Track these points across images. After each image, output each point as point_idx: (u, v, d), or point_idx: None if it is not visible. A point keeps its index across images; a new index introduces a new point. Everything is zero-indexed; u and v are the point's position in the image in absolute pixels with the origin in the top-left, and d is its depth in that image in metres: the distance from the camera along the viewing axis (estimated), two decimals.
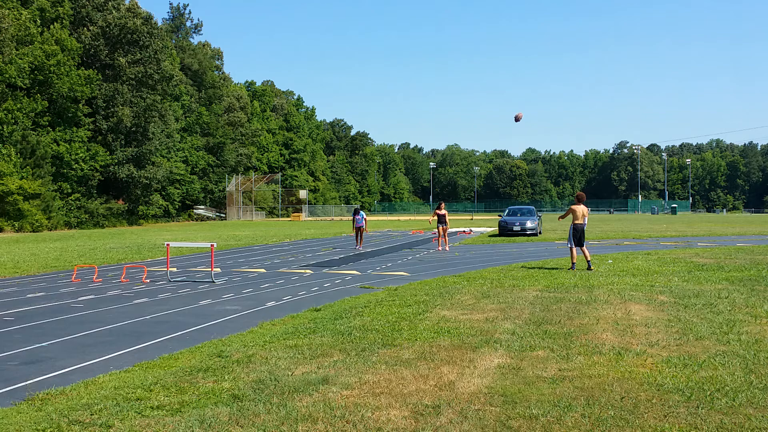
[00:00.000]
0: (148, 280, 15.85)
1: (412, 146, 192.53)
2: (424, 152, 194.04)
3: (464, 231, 42.41)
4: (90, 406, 5.78)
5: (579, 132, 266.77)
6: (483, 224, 55.93)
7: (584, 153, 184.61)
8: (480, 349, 7.66)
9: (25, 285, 15.34)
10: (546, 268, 17.08)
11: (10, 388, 6.59)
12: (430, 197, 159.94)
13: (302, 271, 18.06)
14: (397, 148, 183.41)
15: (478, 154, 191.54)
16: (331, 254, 24.06)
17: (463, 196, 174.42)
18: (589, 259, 16.81)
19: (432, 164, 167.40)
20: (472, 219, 78.07)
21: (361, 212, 27.92)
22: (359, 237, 27.64)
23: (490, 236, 35.22)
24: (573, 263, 16.72)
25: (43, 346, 8.64)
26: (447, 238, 26.68)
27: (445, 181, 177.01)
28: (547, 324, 9.10)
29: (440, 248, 25.82)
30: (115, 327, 9.96)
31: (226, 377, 6.64)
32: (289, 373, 6.71)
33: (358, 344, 8.01)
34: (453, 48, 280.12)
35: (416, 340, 8.20)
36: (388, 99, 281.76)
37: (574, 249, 16.96)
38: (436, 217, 26.03)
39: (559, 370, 6.70)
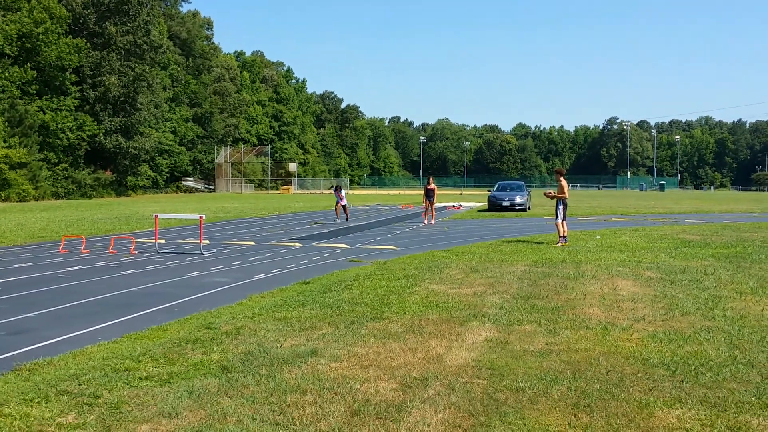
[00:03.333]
0: (136, 252, 15.80)
1: (402, 120, 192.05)
2: (414, 126, 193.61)
3: (453, 206, 42.45)
4: (78, 376, 5.77)
5: (569, 107, 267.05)
6: (472, 199, 56.00)
7: (574, 129, 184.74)
8: (468, 323, 7.70)
9: (12, 255, 15.27)
10: (534, 243, 17.14)
11: None
12: (420, 171, 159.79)
13: (291, 244, 18.05)
14: (387, 121, 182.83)
15: (468, 128, 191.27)
16: (320, 227, 24.05)
17: (452, 170, 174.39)
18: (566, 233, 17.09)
19: (422, 138, 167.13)
20: (461, 194, 78.17)
21: (342, 191, 28.37)
22: (344, 211, 27.95)
23: (479, 211, 35.28)
24: (563, 236, 16.85)
25: (30, 316, 8.62)
26: (434, 212, 26.85)
27: (435, 156, 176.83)
28: (534, 299, 9.15)
29: (426, 222, 25.93)
30: (104, 298, 9.94)
31: (214, 349, 6.65)
32: (278, 345, 6.72)
33: (347, 317, 8.03)
34: (444, 21, 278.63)
35: (405, 313, 8.23)
36: (379, 72, 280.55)
37: (565, 223, 17.14)
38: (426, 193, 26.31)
39: (546, 344, 6.75)
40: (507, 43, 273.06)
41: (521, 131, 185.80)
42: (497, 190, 36.90)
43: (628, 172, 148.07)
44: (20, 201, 47.08)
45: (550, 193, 18.17)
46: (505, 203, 34.00)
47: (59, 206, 41.27)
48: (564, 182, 17.63)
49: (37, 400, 5.18)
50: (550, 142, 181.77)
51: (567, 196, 17.59)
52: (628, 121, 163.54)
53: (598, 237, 18.71)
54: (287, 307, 8.78)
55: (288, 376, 5.70)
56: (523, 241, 17.80)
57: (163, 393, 5.32)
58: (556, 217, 17.22)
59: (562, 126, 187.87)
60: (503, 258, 13.89)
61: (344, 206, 27.77)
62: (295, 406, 5.01)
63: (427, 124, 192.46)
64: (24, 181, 48.47)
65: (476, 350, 6.51)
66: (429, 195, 26.15)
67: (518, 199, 34.07)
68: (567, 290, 9.83)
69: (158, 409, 4.98)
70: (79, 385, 5.54)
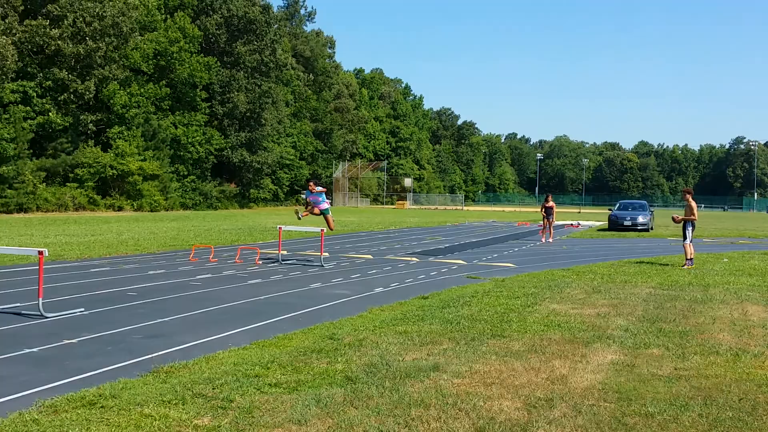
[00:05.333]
0: (260, 262, 16.36)
1: (519, 137, 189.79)
2: (531, 143, 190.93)
3: (572, 224, 41.62)
4: (212, 380, 6.04)
5: (694, 126, 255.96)
6: (591, 218, 54.72)
7: (699, 147, 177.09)
8: (592, 344, 7.57)
9: (146, 262, 16.11)
10: (659, 265, 16.60)
11: (135, 360, 6.96)
12: (536, 189, 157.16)
13: (408, 258, 18.21)
14: (503, 138, 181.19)
15: (587, 145, 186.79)
16: (436, 243, 24.13)
17: (570, 188, 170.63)
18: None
19: (539, 155, 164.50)
20: (579, 212, 76.48)
21: (318, 189, 17.25)
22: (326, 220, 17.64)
23: (598, 230, 34.46)
24: (690, 258, 16.30)
25: (165, 321, 9.08)
26: (552, 230, 26.45)
27: (552, 173, 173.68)
28: (661, 322, 8.89)
29: (544, 240, 25.58)
30: (232, 306, 10.36)
31: (338, 359, 6.81)
32: (400, 359, 6.82)
33: (467, 333, 8.05)
34: (561, 39, 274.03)
35: (526, 332, 8.17)
36: (496, 89, 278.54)
37: (692, 245, 16.61)
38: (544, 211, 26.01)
39: (675, 368, 6.55)
40: (627, 59, 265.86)
41: (643, 149, 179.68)
42: (618, 209, 35.99)
43: (755, 194, 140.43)
44: (151, 211, 49.71)
45: (678, 217, 17.52)
46: (627, 223, 33.09)
47: (187, 216, 43.23)
48: (693, 203, 17.05)
49: (174, 402, 5.44)
50: (674, 161, 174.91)
51: (696, 218, 17.00)
52: (755, 141, 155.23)
53: (725, 260, 17.92)
54: (407, 321, 8.88)
55: (411, 390, 5.78)
56: (647, 262, 17.26)
57: (292, 400, 5.51)
58: (684, 238, 16.64)
59: (686, 145, 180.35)
60: (626, 279, 13.54)
61: (320, 211, 17.16)
62: (420, 420, 5.08)
63: (545, 141, 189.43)
64: (155, 191, 51.18)
65: (602, 372, 6.40)
66: (547, 213, 25.83)
67: (641, 219, 33.08)
68: (695, 314, 9.49)
69: (288, 415, 5.16)
70: (213, 388, 5.80)
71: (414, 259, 18.13)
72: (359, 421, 5.03)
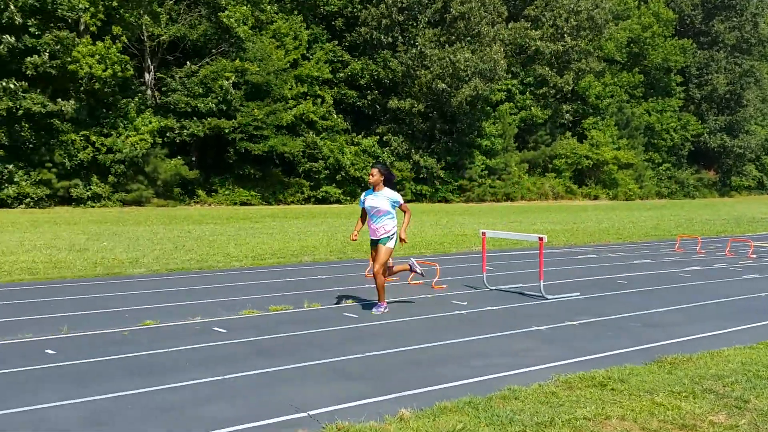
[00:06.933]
0: (754, 256, 15.17)
1: None
2: None
3: None
4: (720, 377, 5.83)
5: None
6: None
7: None
8: None
9: (630, 251, 16.15)
10: None
11: (635, 348, 7.03)
12: None
13: None
14: None
15: None
16: None
17: None
18: None
19: None
20: None
21: (387, 189, 8.59)
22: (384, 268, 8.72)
23: None
24: None
25: (658, 311, 8.98)
26: None
27: None
28: None
29: None
30: (727, 301, 9.80)
31: None
32: None
33: None
34: None
35: None
36: None
37: None
38: None
39: None
40: None
41: None
42: None
43: None
44: (626, 199, 50.20)
45: None
46: None
47: (663, 206, 42.30)
48: None
49: (684, 395, 5.40)
50: None
51: None
52: None
53: None
54: None
55: None
56: None
57: None
58: None
59: None
60: None
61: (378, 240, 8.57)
62: None
63: None
64: (630, 180, 51.62)
65: None
66: None
67: None
68: None
69: None
70: (723, 386, 5.60)
71: None
72: None
